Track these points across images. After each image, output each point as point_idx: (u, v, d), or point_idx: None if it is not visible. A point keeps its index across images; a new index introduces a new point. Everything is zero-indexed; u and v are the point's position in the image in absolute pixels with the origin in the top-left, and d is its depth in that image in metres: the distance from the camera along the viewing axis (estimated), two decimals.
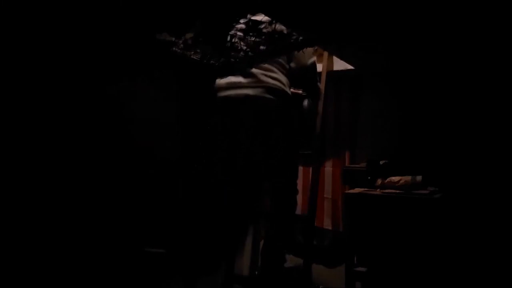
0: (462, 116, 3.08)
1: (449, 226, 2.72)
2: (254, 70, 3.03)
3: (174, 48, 2.81)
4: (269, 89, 2.98)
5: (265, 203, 3.32)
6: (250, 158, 3.11)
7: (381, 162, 3.07)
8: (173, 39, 2.73)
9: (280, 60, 3.13)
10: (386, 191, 2.77)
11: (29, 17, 2.51)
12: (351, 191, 2.94)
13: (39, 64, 2.63)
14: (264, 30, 2.56)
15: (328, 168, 3.96)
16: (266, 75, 3.01)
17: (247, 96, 2.96)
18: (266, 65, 3.05)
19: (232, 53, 2.82)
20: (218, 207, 3.41)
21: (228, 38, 2.72)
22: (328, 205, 3.95)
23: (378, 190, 2.84)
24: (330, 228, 3.94)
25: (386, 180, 2.83)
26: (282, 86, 3.05)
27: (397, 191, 2.73)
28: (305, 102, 3.35)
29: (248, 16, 2.57)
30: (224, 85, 3.09)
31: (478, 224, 2.82)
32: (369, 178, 3.01)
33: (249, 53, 2.78)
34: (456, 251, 2.76)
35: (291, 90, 3.20)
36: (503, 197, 2.79)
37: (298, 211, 3.65)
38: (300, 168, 3.82)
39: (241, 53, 2.80)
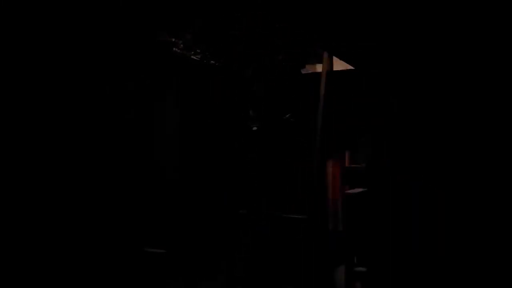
0: (460, 116, 3.07)
1: (447, 225, 2.72)
2: None
3: (174, 49, 2.82)
4: None
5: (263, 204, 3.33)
6: None
7: (381, 162, 3.07)
8: (173, 39, 2.73)
9: None
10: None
11: (29, 17, 2.51)
12: (351, 191, 2.94)
13: (39, 65, 2.63)
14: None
15: (328, 168, 3.96)
16: None
17: None
18: None
19: (232, 53, 2.83)
20: (218, 207, 3.41)
21: (228, 38, 2.73)
22: (328, 205, 3.94)
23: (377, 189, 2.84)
24: (330, 228, 3.94)
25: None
26: None
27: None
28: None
29: (248, 16, 2.57)
30: None
31: (478, 222, 2.82)
32: (369, 178, 3.00)
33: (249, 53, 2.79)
34: (454, 250, 2.75)
35: None
36: (503, 196, 2.79)
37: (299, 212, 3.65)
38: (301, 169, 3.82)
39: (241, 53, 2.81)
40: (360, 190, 2.97)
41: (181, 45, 2.79)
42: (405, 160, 3.19)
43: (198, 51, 2.87)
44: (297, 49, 3.67)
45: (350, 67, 3.51)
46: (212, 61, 2.98)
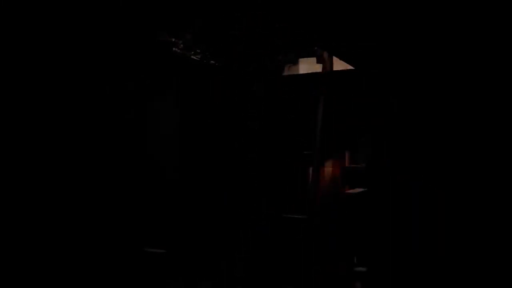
0: (460, 116, 3.07)
1: (449, 226, 2.72)
2: None
3: (174, 49, 2.82)
4: None
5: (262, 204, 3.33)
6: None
7: (381, 162, 3.07)
8: (173, 39, 2.73)
9: None
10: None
11: (30, 17, 2.51)
12: (351, 191, 2.94)
13: (40, 65, 2.63)
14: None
15: (328, 168, 3.96)
16: None
17: None
18: None
19: (232, 53, 2.83)
20: (218, 208, 3.41)
21: (228, 38, 2.73)
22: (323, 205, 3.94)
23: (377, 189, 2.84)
24: (330, 228, 3.94)
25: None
26: None
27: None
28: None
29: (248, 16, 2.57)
30: None
31: (477, 222, 2.82)
32: (369, 178, 3.00)
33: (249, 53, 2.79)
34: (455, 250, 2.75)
35: None
36: (503, 195, 2.79)
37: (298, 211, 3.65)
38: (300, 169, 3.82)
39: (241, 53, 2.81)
40: (360, 190, 2.97)
41: (181, 45, 2.79)
42: (405, 160, 3.19)
43: (198, 51, 2.88)
44: (297, 49, 3.67)
45: (350, 67, 3.52)
46: (212, 61, 2.98)
